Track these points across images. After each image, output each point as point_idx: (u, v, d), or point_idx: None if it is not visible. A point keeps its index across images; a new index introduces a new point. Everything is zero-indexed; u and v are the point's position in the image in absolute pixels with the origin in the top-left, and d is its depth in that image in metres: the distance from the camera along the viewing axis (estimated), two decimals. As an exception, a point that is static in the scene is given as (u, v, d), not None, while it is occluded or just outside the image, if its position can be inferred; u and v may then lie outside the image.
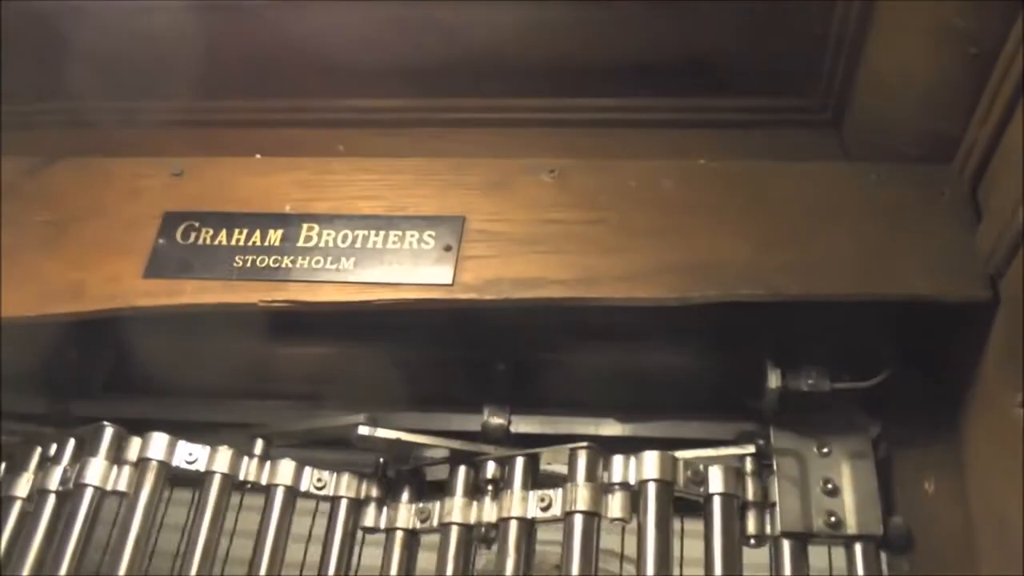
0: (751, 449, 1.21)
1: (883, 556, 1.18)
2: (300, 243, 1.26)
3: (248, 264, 1.26)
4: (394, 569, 1.26)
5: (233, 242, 1.27)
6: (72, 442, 1.33)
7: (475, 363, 1.32)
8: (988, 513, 1.12)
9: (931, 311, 1.17)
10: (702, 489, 1.18)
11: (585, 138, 1.40)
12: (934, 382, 1.22)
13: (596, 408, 1.31)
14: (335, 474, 1.31)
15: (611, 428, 1.30)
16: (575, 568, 1.13)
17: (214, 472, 1.28)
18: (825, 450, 1.20)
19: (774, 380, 1.18)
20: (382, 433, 1.25)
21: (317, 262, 1.25)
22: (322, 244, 1.26)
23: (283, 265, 1.25)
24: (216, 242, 1.28)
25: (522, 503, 1.20)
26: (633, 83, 1.39)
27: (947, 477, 1.19)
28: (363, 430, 1.24)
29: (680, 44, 1.34)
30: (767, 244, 1.20)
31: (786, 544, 1.16)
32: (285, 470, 1.30)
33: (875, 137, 1.31)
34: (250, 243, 1.27)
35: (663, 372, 1.32)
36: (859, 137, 1.34)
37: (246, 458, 1.30)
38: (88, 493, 1.26)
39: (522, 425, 1.30)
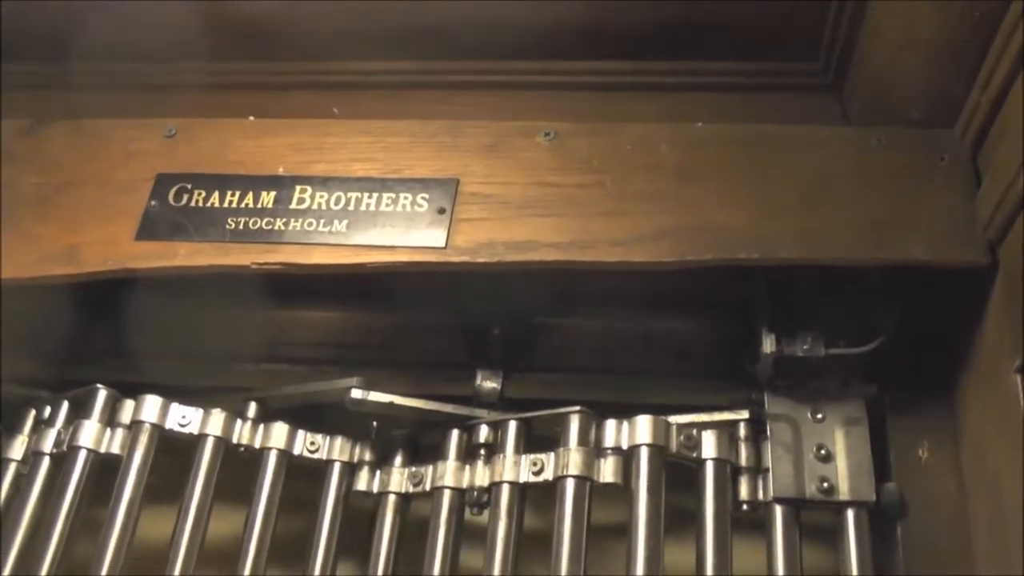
0: (745, 415, 1.20)
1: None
2: (293, 205, 1.25)
3: (241, 226, 1.24)
4: (386, 533, 1.26)
5: (226, 204, 1.26)
6: (66, 405, 1.33)
7: (470, 328, 1.31)
8: (982, 479, 1.11)
9: (929, 276, 1.16)
10: (695, 454, 1.18)
11: (582, 101, 1.38)
12: (930, 348, 1.21)
13: (590, 373, 1.31)
14: (328, 438, 1.31)
15: (605, 393, 1.29)
16: (566, 532, 1.13)
17: (207, 435, 1.28)
18: (819, 416, 1.19)
19: (769, 345, 1.17)
20: (375, 397, 1.24)
21: (310, 224, 1.23)
22: (315, 206, 1.25)
23: (276, 227, 1.24)
24: (209, 204, 1.27)
25: (514, 467, 1.20)
26: (630, 46, 1.37)
27: (942, 443, 1.19)
28: (356, 394, 1.24)
29: (679, 6, 1.33)
30: (765, 208, 1.18)
31: (778, 510, 1.15)
32: (278, 433, 1.30)
33: (876, 101, 1.29)
34: (243, 205, 1.26)
35: (658, 338, 1.30)
36: (860, 101, 1.32)
37: (239, 421, 1.30)
38: (81, 455, 1.27)
39: (515, 390, 1.30)
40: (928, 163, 1.20)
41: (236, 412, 1.31)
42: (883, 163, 1.21)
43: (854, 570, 1.11)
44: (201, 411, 1.29)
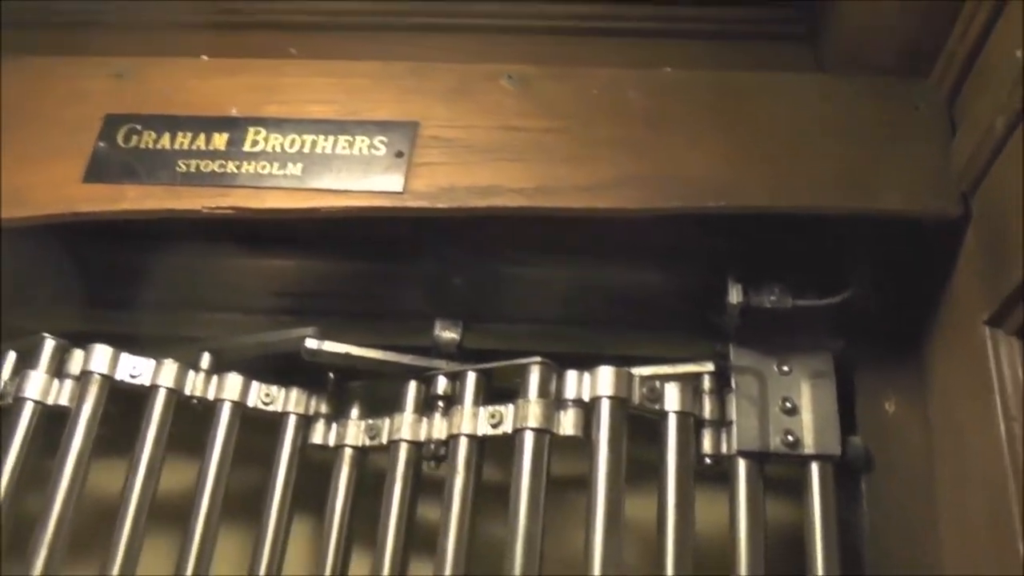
0: (710, 367, 1.18)
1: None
2: (246, 148, 1.20)
3: (192, 169, 1.20)
4: (342, 487, 1.23)
5: (177, 146, 1.21)
6: (12, 355, 1.28)
7: (430, 276, 1.27)
8: (948, 433, 1.09)
9: (899, 228, 1.14)
10: (658, 407, 1.15)
11: (548, 45, 1.34)
12: (899, 301, 1.18)
13: (552, 324, 1.27)
14: (283, 390, 1.28)
15: (567, 344, 1.25)
16: (525, 486, 1.10)
17: (159, 386, 1.24)
18: (785, 368, 1.17)
19: (735, 296, 1.14)
20: (330, 347, 1.20)
21: (264, 167, 1.19)
22: (269, 149, 1.20)
23: (228, 170, 1.19)
24: (159, 146, 1.22)
25: (472, 419, 1.17)
26: (600, -11, 1.33)
27: (909, 397, 1.17)
28: (311, 344, 1.20)
29: (649, -52, 1.29)
30: (734, 156, 1.15)
31: (742, 463, 1.13)
32: (232, 384, 1.26)
33: (851, 50, 1.26)
34: (194, 147, 1.21)
35: (623, 289, 1.26)
36: (834, 49, 1.29)
37: (192, 372, 1.26)
38: (28, 407, 1.22)
39: (475, 340, 1.26)
40: (902, 113, 1.17)
41: (189, 363, 1.27)
42: (857, 112, 1.18)
43: (818, 524, 1.09)
44: (153, 362, 1.25)
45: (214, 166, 1.20)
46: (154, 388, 1.24)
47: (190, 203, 1.18)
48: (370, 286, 1.29)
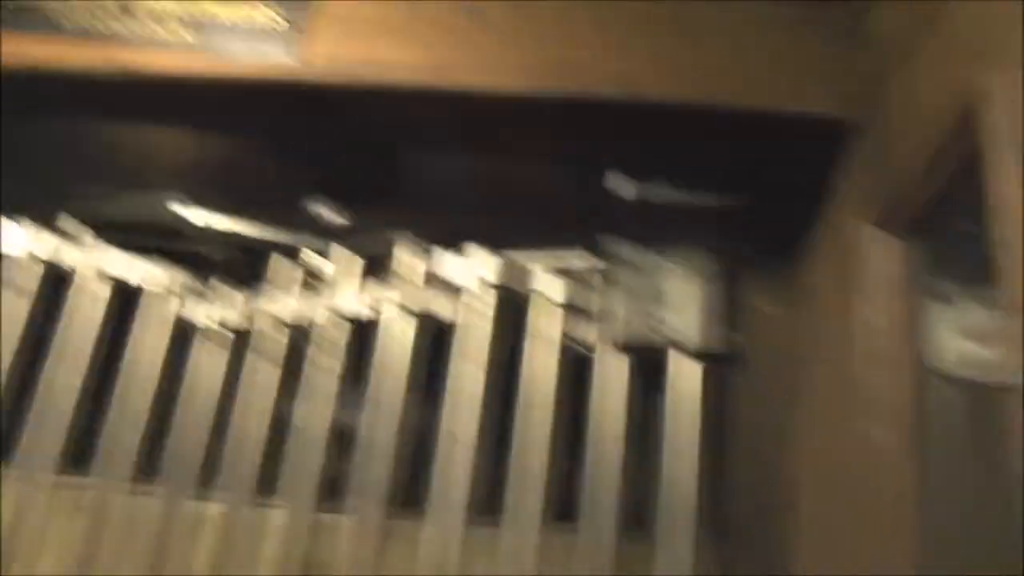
0: (588, 258, 1.15)
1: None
2: (138, 10, 1.17)
3: (79, 27, 1.16)
4: (210, 364, 1.18)
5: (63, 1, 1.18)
6: None
7: (314, 156, 1.22)
8: (819, 332, 1.08)
9: (793, 131, 1.11)
10: (531, 293, 1.12)
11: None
12: (786, 205, 1.16)
13: (436, 211, 1.24)
14: (154, 263, 1.22)
15: (450, 231, 1.20)
16: (392, 366, 1.06)
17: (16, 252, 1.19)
18: (665, 264, 1.15)
19: (620, 189, 1.12)
20: (198, 218, 1.16)
21: (155, 31, 1.16)
22: (160, 11, 1.17)
23: (117, 32, 1.16)
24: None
25: (342, 298, 1.13)
26: None
27: (786, 298, 1.16)
28: (178, 210, 1.15)
29: None
30: (631, 47, 1.13)
31: (614, 353, 1.10)
32: (99, 255, 1.20)
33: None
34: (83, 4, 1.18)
35: (509, 178, 1.23)
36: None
37: (57, 239, 1.21)
38: None
39: (354, 221, 1.22)
40: (809, 17, 1.15)
41: (54, 229, 1.22)
42: (763, 11, 1.15)
43: (686, 415, 1.07)
44: (13, 225, 1.20)
45: (101, 26, 1.16)
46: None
47: (76, 61, 1.14)
48: (255, 162, 1.24)
